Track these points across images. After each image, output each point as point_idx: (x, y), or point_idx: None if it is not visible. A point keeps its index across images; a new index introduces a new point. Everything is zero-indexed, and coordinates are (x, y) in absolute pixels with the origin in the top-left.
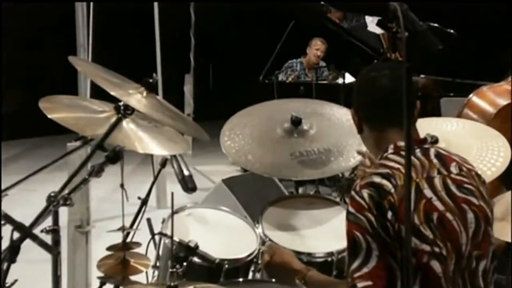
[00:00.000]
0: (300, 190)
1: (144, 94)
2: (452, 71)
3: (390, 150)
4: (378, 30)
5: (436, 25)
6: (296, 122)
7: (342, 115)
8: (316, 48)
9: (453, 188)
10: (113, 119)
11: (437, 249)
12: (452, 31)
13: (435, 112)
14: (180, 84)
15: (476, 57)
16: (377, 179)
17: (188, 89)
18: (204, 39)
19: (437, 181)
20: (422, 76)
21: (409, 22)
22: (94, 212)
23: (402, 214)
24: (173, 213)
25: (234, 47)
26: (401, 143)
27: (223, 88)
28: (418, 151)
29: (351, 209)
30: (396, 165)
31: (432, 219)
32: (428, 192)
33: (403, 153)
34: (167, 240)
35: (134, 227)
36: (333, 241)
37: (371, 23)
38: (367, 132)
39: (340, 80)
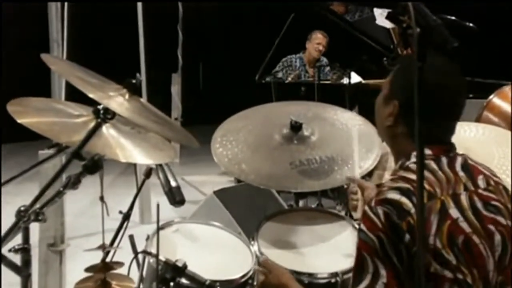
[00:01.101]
0: (301, 203)
1: (127, 96)
2: (471, 69)
3: (413, 159)
4: (388, 24)
5: (453, 18)
6: (296, 127)
7: (347, 119)
8: (317, 42)
9: (479, 206)
10: (92, 124)
11: (460, 276)
12: (471, 24)
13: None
14: (166, 85)
15: (498, 54)
16: (395, 196)
17: (175, 90)
18: (193, 34)
19: (464, 199)
20: None
21: (422, 16)
22: (70, 229)
23: (425, 237)
24: (159, 229)
25: (227, 43)
26: (427, 151)
27: (214, 89)
28: (444, 160)
29: (363, 227)
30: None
31: (457, 242)
32: (454, 212)
33: (427, 162)
34: (152, 259)
35: (115, 245)
36: (337, 260)
37: (380, 16)
38: (400, 131)
39: (345, 80)
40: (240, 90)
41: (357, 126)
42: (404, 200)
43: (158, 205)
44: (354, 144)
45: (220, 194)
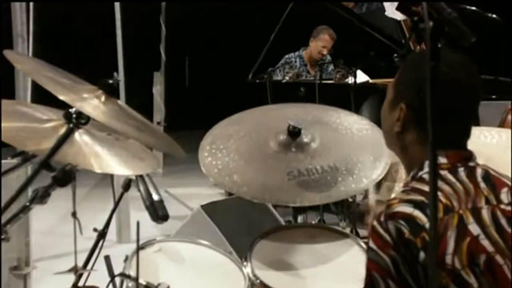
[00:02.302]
0: (300, 219)
1: (103, 98)
2: (494, 67)
3: (427, 168)
4: (399, 16)
5: (473, 8)
6: (294, 133)
7: (352, 123)
8: (323, 45)
9: (503, 222)
10: (63, 130)
11: None
12: (495, 16)
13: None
14: (148, 85)
15: None
16: (407, 209)
17: (157, 90)
18: (178, 27)
19: (485, 213)
20: None
21: (435, 8)
22: (37, 249)
23: (441, 256)
24: (139, 248)
25: (217, 36)
26: (442, 160)
27: (202, 90)
28: (462, 171)
29: (372, 245)
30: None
31: (478, 262)
32: (474, 228)
33: (442, 172)
34: (131, 284)
35: (89, 267)
36: (341, 284)
37: (390, 7)
38: (411, 137)
39: (350, 80)
40: (231, 91)
41: (364, 132)
42: (417, 213)
43: (138, 224)
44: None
45: (209, 208)
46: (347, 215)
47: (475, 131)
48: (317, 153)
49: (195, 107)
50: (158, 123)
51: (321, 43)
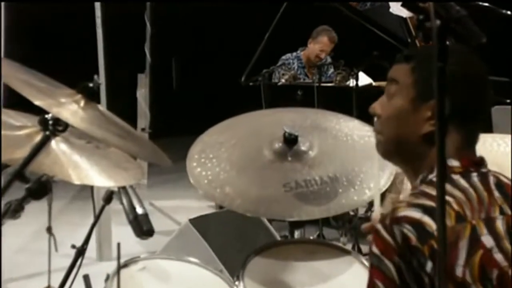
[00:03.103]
0: (297, 234)
1: (82, 103)
2: (509, 68)
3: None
4: (405, 13)
5: (486, 4)
6: (290, 140)
7: (353, 130)
8: (321, 48)
9: None
10: (38, 138)
11: None
12: (510, 12)
13: (484, 125)
14: (131, 88)
15: None
16: (415, 214)
17: (142, 94)
18: (164, 25)
19: (500, 224)
20: None
21: (442, 5)
22: (8, 268)
23: (451, 267)
24: (120, 266)
25: (207, 35)
26: (454, 163)
27: (191, 93)
28: (475, 176)
29: (375, 249)
30: (445, 196)
31: (491, 277)
32: (487, 240)
33: (454, 177)
34: None
35: (66, 287)
36: None
37: (395, 4)
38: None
39: (351, 82)
40: (223, 94)
41: (366, 138)
42: (426, 219)
43: (119, 244)
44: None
45: (198, 222)
46: (348, 229)
47: (488, 138)
48: (316, 163)
49: (183, 112)
50: (143, 129)
51: (319, 46)
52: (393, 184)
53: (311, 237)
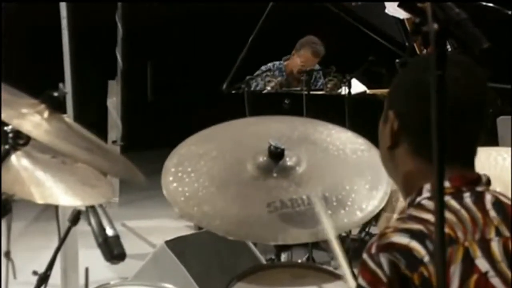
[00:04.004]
0: (284, 257)
1: (46, 114)
2: None
3: (426, 193)
4: (402, 14)
5: (490, 4)
6: (276, 154)
7: (345, 143)
8: (304, 63)
9: None
10: None
11: None
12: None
13: (488, 136)
14: (101, 97)
15: None
16: (403, 239)
17: (113, 103)
18: (138, 26)
19: (496, 246)
20: None
21: (441, 8)
22: None
23: None
24: None
25: (185, 38)
26: (445, 183)
27: (167, 102)
28: (467, 196)
29: (362, 281)
30: (434, 219)
31: None
32: (482, 263)
33: (446, 198)
34: None
35: None
36: None
37: (392, 4)
38: (403, 152)
39: (343, 90)
40: (202, 102)
41: (359, 153)
42: (414, 245)
43: (87, 270)
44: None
45: (174, 245)
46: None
47: (492, 152)
48: (304, 180)
49: (159, 122)
50: (114, 142)
51: (301, 60)
52: (388, 202)
53: (299, 261)
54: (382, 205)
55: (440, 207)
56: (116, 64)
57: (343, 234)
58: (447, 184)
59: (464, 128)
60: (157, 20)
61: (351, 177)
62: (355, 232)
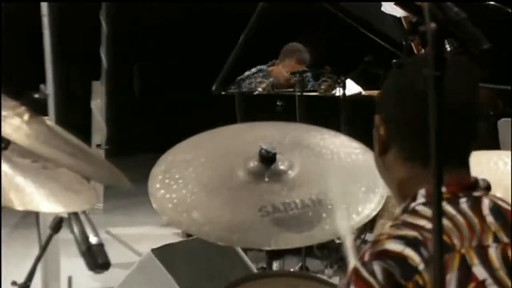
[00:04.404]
0: (276, 265)
1: (26, 117)
2: None
3: (421, 199)
4: (399, 12)
5: (492, 3)
6: (267, 158)
7: (339, 147)
8: (289, 72)
9: None
10: None
11: None
12: None
13: (489, 139)
14: (84, 99)
15: None
16: (397, 247)
17: (97, 105)
18: (123, 25)
19: (494, 253)
20: None
21: (439, 7)
22: None
23: None
24: None
25: (174, 37)
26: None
27: (154, 104)
28: (464, 202)
29: None
30: (429, 225)
31: None
32: (479, 271)
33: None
34: None
35: None
36: None
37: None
38: (393, 158)
39: (338, 91)
40: (191, 105)
41: (354, 157)
42: (409, 252)
43: (70, 279)
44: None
45: (161, 253)
46: (334, 260)
47: (492, 156)
48: (296, 184)
49: (145, 125)
50: (98, 146)
51: (286, 69)
52: (384, 208)
53: (292, 269)
54: (379, 208)
55: (438, 212)
56: (101, 64)
57: (338, 241)
58: (442, 189)
59: (458, 131)
60: (144, 18)
61: (346, 181)
62: None
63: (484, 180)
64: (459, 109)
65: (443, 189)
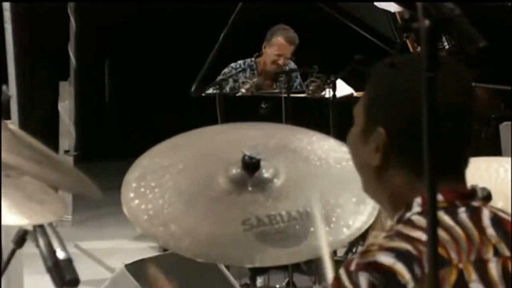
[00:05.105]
0: (260, 282)
1: None
2: None
3: (416, 208)
4: (393, 7)
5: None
6: (250, 165)
7: (328, 152)
8: (278, 52)
9: None
10: None
11: None
12: None
13: (490, 144)
14: (51, 100)
15: None
16: (387, 259)
17: (65, 107)
18: (93, 20)
19: (494, 268)
20: None
21: (433, 3)
22: None
23: None
24: None
25: (149, 34)
26: (437, 196)
27: (128, 106)
28: (463, 212)
29: None
30: (424, 236)
31: None
32: (478, 287)
33: (438, 213)
34: None
35: None
36: None
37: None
38: (393, 169)
39: (327, 93)
40: (168, 107)
41: (344, 163)
42: (399, 267)
43: None
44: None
45: (136, 269)
46: (323, 276)
47: (492, 163)
48: (282, 194)
49: (118, 129)
50: (66, 152)
51: (274, 49)
52: (377, 220)
53: (278, 286)
54: (371, 221)
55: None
56: (69, 63)
57: None
58: (439, 197)
59: (451, 136)
60: (116, 12)
61: (336, 190)
62: (340, 253)
63: (484, 189)
64: (452, 112)
65: (439, 197)
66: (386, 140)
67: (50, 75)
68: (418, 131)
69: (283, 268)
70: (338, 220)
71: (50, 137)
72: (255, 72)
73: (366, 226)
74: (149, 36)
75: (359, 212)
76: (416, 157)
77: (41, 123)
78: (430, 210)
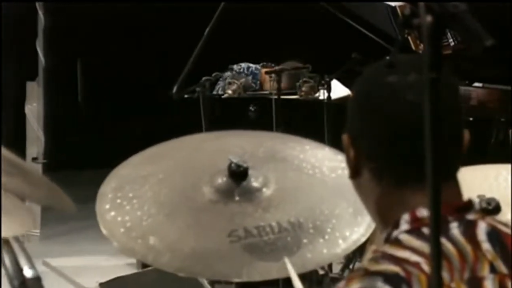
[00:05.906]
0: None
1: None
2: None
3: (404, 226)
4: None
5: None
6: (237, 173)
7: (323, 160)
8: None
9: None
10: None
11: None
12: None
13: (501, 149)
14: (18, 102)
15: None
16: (375, 284)
17: (33, 110)
18: (65, 15)
19: (489, 286)
20: (477, 85)
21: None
22: None
23: None
24: None
25: (126, 29)
26: (424, 213)
27: (102, 109)
28: (455, 227)
29: None
30: (414, 257)
31: None
32: None
33: (426, 231)
34: None
35: None
36: None
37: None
38: (367, 181)
39: (322, 94)
40: (147, 110)
41: (339, 172)
42: None
43: None
44: None
45: (112, 287)
46: None
47: (502, 170)
48: (272, 204)
49: (91, 135)
50: (34, 159)
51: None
52: (375, 233)
53: None
54: (369, 233)
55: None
56: (37, 62)
57: (321, 271)
58: (426, 214)
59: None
60: (89, 6)
61: (330, 200)
62: (336, 269)
63: (493, 199)
64: (443, 116)
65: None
66: (352, 148)
67: (16, 75)
68: (386, 137)
69: (273, 284)
70: (333, 231)
71: (16, 142)
72: (258, 81)
73: (363, 239)
74: (126, 32)
75: (356, 223)
76: (390, 166)
77: (6, 128)
78: (432, 224)
